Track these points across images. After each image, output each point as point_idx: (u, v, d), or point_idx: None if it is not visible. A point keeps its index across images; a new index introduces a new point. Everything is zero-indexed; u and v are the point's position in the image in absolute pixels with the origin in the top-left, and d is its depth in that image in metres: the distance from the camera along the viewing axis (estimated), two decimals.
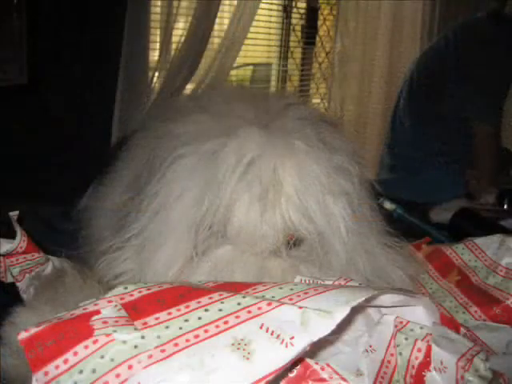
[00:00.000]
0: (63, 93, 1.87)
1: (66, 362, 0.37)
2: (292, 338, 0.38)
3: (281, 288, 0.45)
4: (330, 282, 0.52)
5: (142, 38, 2.05)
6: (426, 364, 0.48)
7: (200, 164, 0.61)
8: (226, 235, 0.62)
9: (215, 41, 2.40)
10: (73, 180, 1.29)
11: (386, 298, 0.49)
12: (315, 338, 0.38)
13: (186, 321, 0.40)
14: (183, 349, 0.38)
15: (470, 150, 1.91)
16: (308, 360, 0.43)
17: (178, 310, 0.42)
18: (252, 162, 0.59)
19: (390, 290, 0.49)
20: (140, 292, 0.44)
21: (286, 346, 0.38)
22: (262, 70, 3.07)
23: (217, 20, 2.27)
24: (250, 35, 2.51)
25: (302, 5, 2.99)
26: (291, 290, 0.45)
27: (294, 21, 2.96)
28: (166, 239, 0.61)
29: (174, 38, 2.17)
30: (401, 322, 0.50)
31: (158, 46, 2.17)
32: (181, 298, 0.43)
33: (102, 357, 0.37)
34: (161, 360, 0.37)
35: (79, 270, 0.64)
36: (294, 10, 2.95)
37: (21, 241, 0.70)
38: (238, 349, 0.38)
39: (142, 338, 0.39)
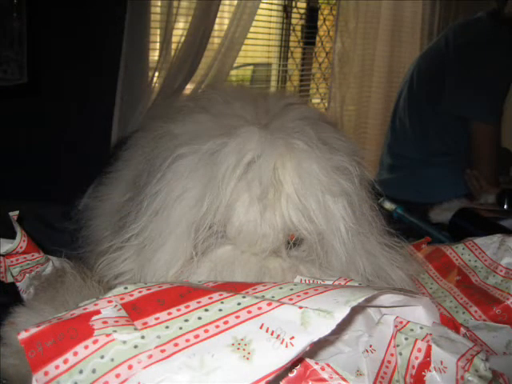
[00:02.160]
0: (63, 93, 1.87)
1: (65, 362, 0.37)
2: (292, 338, 0.38)
3: (281, 288, 0.45)
4: (330, 282, 0.52)
5: (142, 38, 2.05)
6: (426, 364, 0.48)
7: (200, 164, 0.61)
8: (226, 235, 0.62)
9: (215, 41, 2.40)
10: (73, 180, 1.29)
11: (386, 298, 0.49)
12: (315, 338, 0.38)
13: (186, 321, 0.40)
14: (183, 349, 0.38)
15: (470, 150, 1.91)
16: (308, 360, 0.43)
17: (178, 310, 0.42)
18: (252, 162, 0.59)
19: (390, 290, 0.49)
20: (140, 292, 0.44)
21: (286, 346, 0.38)
22: (262, 69, 3.07)
23: (217, 20, 2.27)
24: (250, 35, 2.51)
25: (302, 5, 2.99)
26: (291, 290, 0.45)
27: (294, 21, 2.96)
28: (166, 239, 0.61)
29: (174, 38, 2.17)
30: (401, 322, 0.50)
31: (158, 46, 2.18)
32: (181, 298, 0.43)
33: (102, 357, 0.37)
34: (161, 360, 0.37)
35: (79, 270, 0.64)
36: (294, 10, 2.95)
37: (21, 241, 0.70)
38: (238, 349, 0.38)
39: (142, 338, 0.39)
